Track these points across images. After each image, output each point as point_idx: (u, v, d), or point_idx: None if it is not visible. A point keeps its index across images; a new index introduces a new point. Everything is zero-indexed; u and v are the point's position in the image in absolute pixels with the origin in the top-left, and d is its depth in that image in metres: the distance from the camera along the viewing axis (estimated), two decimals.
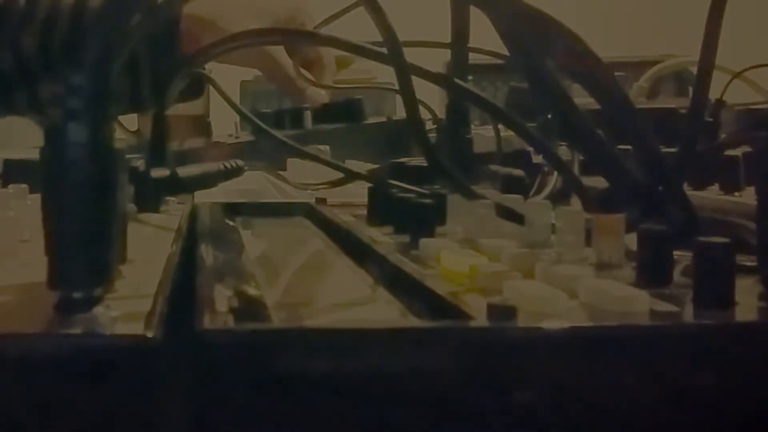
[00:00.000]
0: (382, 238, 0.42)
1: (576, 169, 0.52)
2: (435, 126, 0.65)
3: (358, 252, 0.41)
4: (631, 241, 0.33)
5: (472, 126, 0.57)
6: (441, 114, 0.61)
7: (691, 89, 0.41)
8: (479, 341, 0.25)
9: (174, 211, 0.51)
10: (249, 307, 0.30)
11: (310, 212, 0.56)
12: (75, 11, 0.95)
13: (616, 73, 0.40)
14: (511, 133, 0.52)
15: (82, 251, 0.26)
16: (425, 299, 0.31)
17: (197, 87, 0.88)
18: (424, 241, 0.38)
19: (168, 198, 0.53)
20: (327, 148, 0.75)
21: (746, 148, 0.54)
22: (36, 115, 0.99)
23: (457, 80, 0.49)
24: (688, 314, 0.27)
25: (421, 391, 0.24)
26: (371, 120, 0.94)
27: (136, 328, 0.24)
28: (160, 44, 0.92)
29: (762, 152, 0.51)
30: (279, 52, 0.93)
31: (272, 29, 0.80)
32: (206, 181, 0.58)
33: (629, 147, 0.41)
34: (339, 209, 0.53)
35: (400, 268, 0.34)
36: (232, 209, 0.56)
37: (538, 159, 0.60)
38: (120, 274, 0.30)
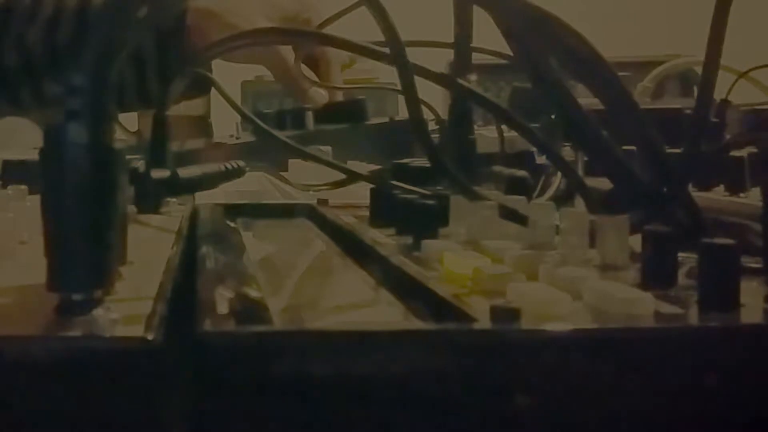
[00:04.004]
0: (385, 240, 0.42)
1: (580, 170, 0.52)
2: (438, 126, 0.65)
3: (360, 253, 0.41)
4: (636, 242, 0.32)
5: (476, 126, 0.57)
6: (444, 114, 0.61)
7: (696, 89, 0.41)
8: (483, 343, 0.25)
9: (174, 212, 0.51)
10: (250, 310, 0.29)
11: (312, 213, 0.56)
12: (79, 9, 0.95)
13: (621, 73, 0.40)
14: (514, 133, 0.52)
15: (82, 253, 0.26)
16: (428, 301, 0.31)
17: (203, 84, 0.88)
18: (426, 243, 0.38)
19: (168, 199, 0.52)
20: (329, 148, 0.75)
21: (752, 149, 0.54)
22: (39, 113, 0.99)
23: (460, 80, 0.49)
24: (693, 316, 0.27)
25: (423, 394, 0.24)
26: (373, 120, 0.94)
27: (137, 331, 0.24)
28: (166, 38, 0.92)
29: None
30: (286, 50, 0.93)
31: (274, 28, 0.80)
32: (207, 182, 0.57)
33: (633, 147, 0.40)
34: (341, 210, 0.53)
35: (403, 270, 0.34)
36: (233, 210, 0.56)
37: (541, 160, 0.60)
38: (120, 276, 0.29)
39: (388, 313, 0.33)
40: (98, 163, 0.26)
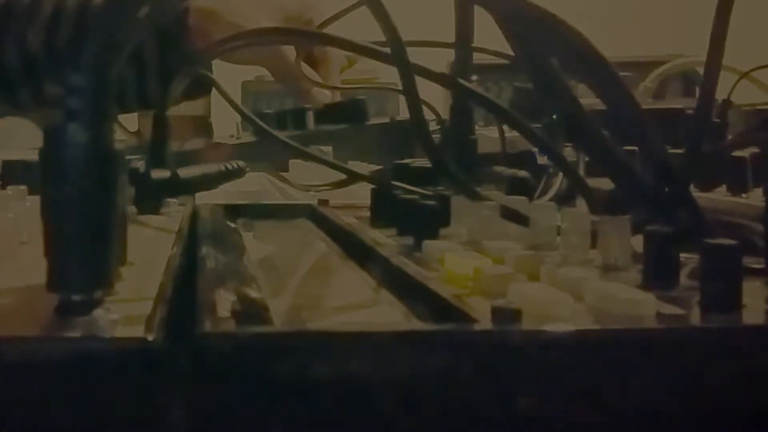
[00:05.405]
0: (386, 240, 0.42)
1: (581, 171, 0.52)
2: (439, 127, 0.65)
3: (361, 254, 0.41)
4: (637, 243, 0.32)
5: (477, 127, 0.57)
6: (445, 115, 0.61)
7: (697, 89, 0.41)
8: (483, 344, 0.25)
9: (175, 212, 0.51)
10: (251, 310, 0.29)
11: (313, 214, 0.56)
12: (79, 9, 0.95)
13: (622, 73, 0.40)
14: (515, 134, 0.52)
15: (82, 253, 0.26)
16: (429, 302, 0.31)
17: (204, 84, 0.88)
18: (427, 243, 0.38)
19: (169, 199, 0.52)
20: (329, 149, 0.74)
21: (754, 149, 0.53)
22: (39, 113, 0.99)
23: (461, 80, 0.49)
24: (695, 317, 0.27)
25: (424, 395, 0.24)
26: (374, 121, 0.94)
27: (137, 331, 0.24)
28: (167, 38, 0.92)
29: None
30: (287, 50, 0.93)
31: (276, 28, 0.80)
32: (207, 182, 0.57)
33: (635, 148, 0.40)
34: (342, 211, 0.53)
35: (404, 271, 0.34)
36: (234, 211, 0.56)
37: (543, 160, 0.60)
38: (120, 277, 0.29)
39: (388, 314, 0.33)
40: (98, 163, 0.26)
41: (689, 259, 0.32)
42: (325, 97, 0.97)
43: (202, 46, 0.88)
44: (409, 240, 0.41)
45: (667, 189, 0.39)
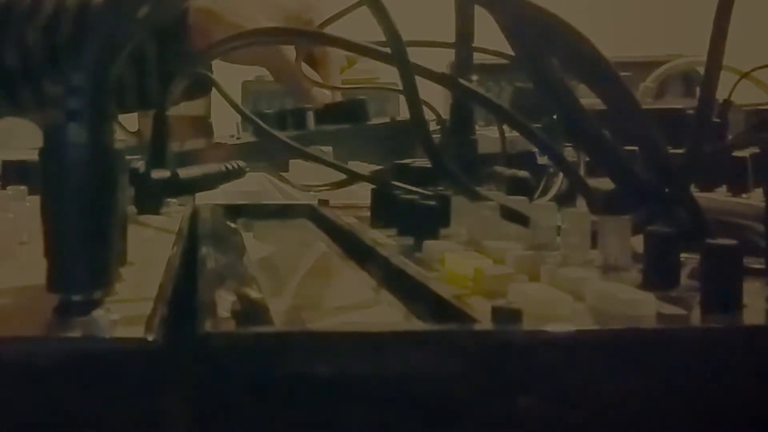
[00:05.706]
0: (386, 240, 0.42)
1: (582, 171, 0.52)
2: (439, 127, 0.65)
3: (361, 254, 0.41)
4: (638, 243, 0.32)
5: (477, 127, 0.57)
6: (445, 115, 0.61)
7: (698, 89, 0.41)
8: (484, 344, 0.25)
9: (175, 212, 0.51)
10: (251, 311, 0.29)
11: (313, 214, 0.56)
12: (79, 9, 0.95)
13: (623, 73, 0.39)
14: (516, 134, 0.52)
15: (82, 253, 0.26)
16: (429, 302, 0.31)
17: (204, 84, 0.88)
18: (427, 244, 0.38)
19: (169, 199, 0.52)
20: (330, 149, 0.74)
21: (754, 149, 0.53)
22: (39, 113, 0.99)
23: (461, 80, 0.49)
24: (696, 317, 0.27)
25: (424, 395, 0.24)
26: (374, 121, 0.94)
27: (137, 332, 0.24)
28: (167, 38, 0.92)
29: None
30: (287, 50, 0.93)
31: (276, 28, 0.80)
32: (207, 182, 0.57)
33: (635, 148, 0.40)
34: (342, 211, 0.53)
35: (404, 271, 0.34)
36: (234, 211, 0.56)
37: (543, 160, 0.60)
38: (120, 277, 0.29)
39: (389, 314, 0.33)
40: (98, 163, 0.26)
41: (689, 259, 0.32)
42: (325, 97, 0.97)
43: (202, 46, 0.88)
44: (409, 240, 0.40)
45: (667, 189, 0.39)
